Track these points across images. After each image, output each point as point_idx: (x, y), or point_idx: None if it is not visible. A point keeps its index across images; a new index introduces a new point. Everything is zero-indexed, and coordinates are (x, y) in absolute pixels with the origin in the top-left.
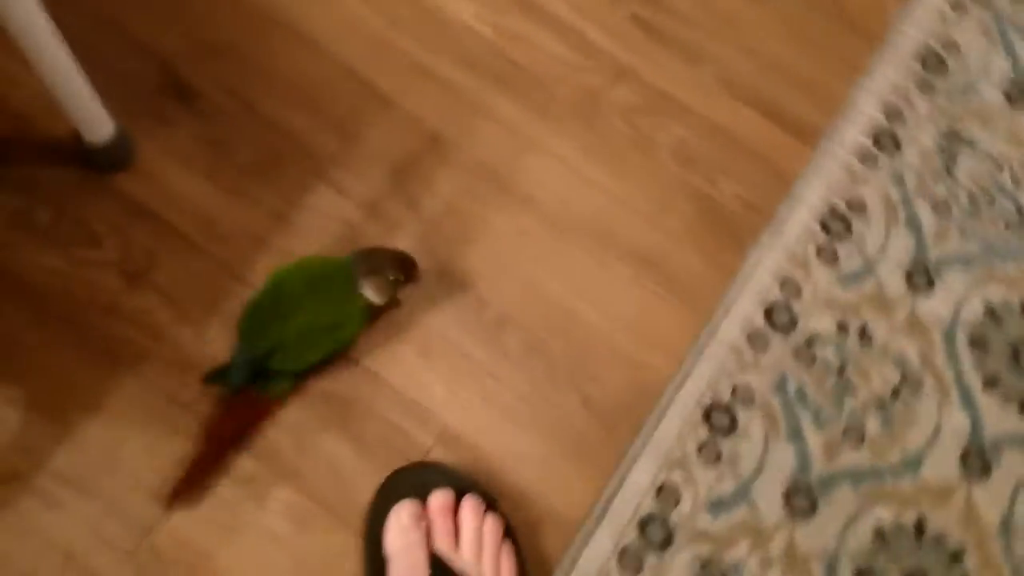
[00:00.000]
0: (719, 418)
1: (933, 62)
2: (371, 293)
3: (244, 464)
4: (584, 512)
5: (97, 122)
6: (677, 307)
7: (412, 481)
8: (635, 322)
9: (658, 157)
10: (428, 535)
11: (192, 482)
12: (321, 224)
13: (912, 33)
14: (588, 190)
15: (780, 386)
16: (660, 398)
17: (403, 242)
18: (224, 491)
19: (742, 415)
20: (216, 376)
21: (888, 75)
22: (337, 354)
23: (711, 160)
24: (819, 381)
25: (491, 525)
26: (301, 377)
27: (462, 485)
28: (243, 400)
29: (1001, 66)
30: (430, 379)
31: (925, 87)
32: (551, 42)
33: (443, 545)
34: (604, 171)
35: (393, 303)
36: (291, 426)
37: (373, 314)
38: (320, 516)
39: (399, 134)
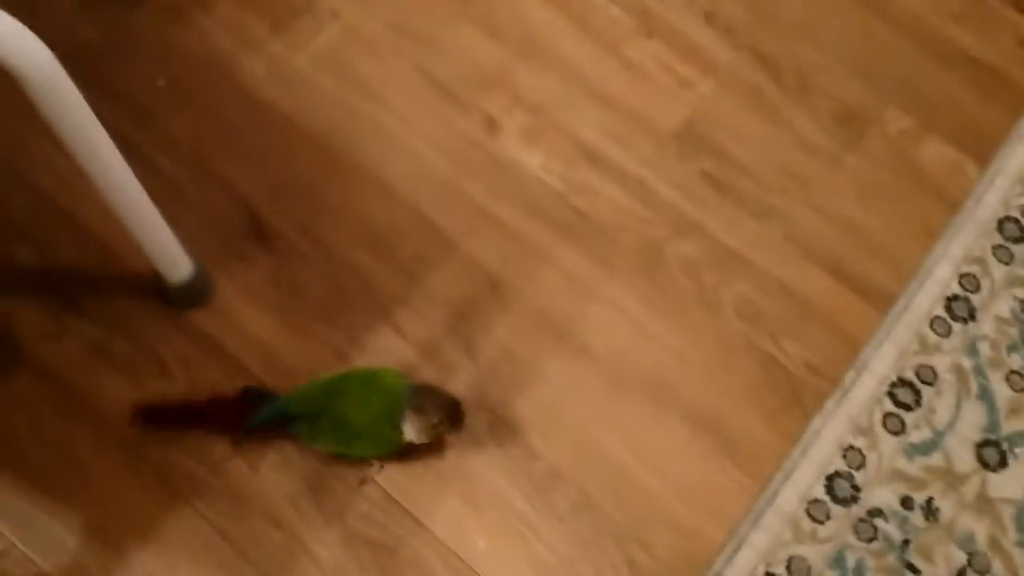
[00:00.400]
0: None
1: (1012, 230)
2: (409, 428)
3: None
4: None
5: (175, 264)
6: (733, 471)
7: None
8: (689, 485)
9: (721, 313)
10: None
11: (161, 415)
12: (379, 364)
13: (991, 201)
14: (647, 343)
15: (838, 561)
16: (711, 569)
17: (457, 385)
18: None
19: None
20: (251, 393)
21: (965, 242)
22: (351, 459)
23: (776, 320)
24: (880, 558)
25: None
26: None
27: None
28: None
29: None
30: (474, 531)
31: (1003, 255)
32: (616, 193)
33: None
34: (664, 325)
35: (427, 445)
36: (332, 569)
37: (405, 448)
38: None
39: (461, 278)
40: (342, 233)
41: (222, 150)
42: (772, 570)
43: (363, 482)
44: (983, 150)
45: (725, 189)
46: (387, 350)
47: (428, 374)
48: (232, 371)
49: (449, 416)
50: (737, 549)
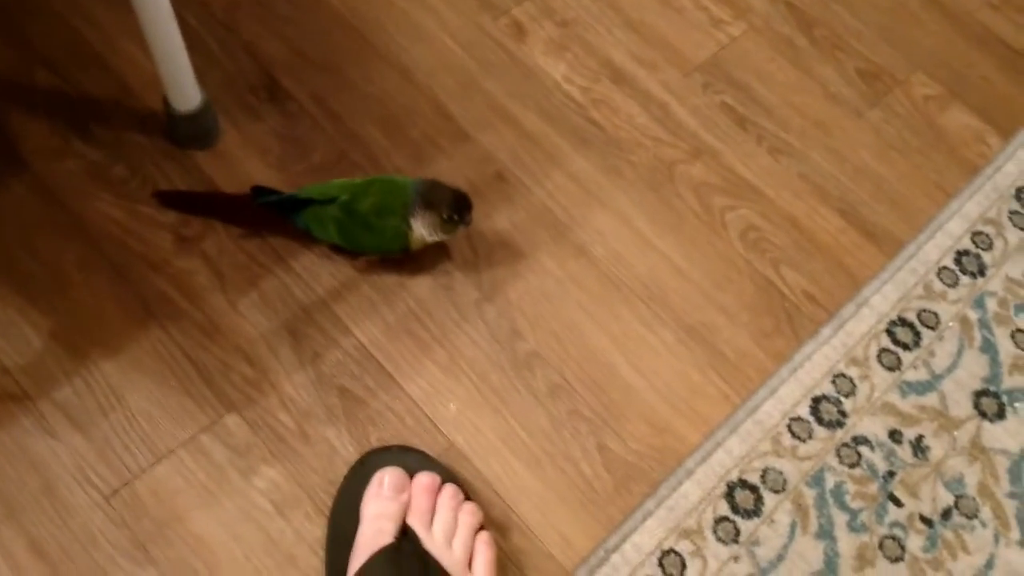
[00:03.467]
0: (743, 497)
1: None
2: (419, 225)
3: (241, 433)
4: (575, 563)
5: (186, 91)
6: (717, 381)
7: (396, 461)
8: (670, 387)
9: (725, 236)
10: (405, 508)
11: (179, 199)
12: None
13: (1011, 170)
14: (646, 252)
15: (817, 480)
16: (682, 466)
17: (451, 263)
18: (216, 455)
19: (769, 500)
20: (262, 192)
21: (981, 203)
22: (358, 253)
23: (780, 249)
24: (861, 485)
25: (468, 513)
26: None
27: (444, 477)
28: (268, 213)
29: None
30: (446, 396)
31: (1019, 220)
32: (636, 112)
33: (417, 523)
34: (667, 238)
35: (436, 242)
36: (299, 410)
37: (409, 247)
38: (303, 503)
39: (468, 165)
40: (355, 107)
41: (251, 17)
42: (746, 477)
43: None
44: (1008, 125)
45: (745, 123)
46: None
47: (424, 255)
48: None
49: (457, 209)
50: (712, 452)
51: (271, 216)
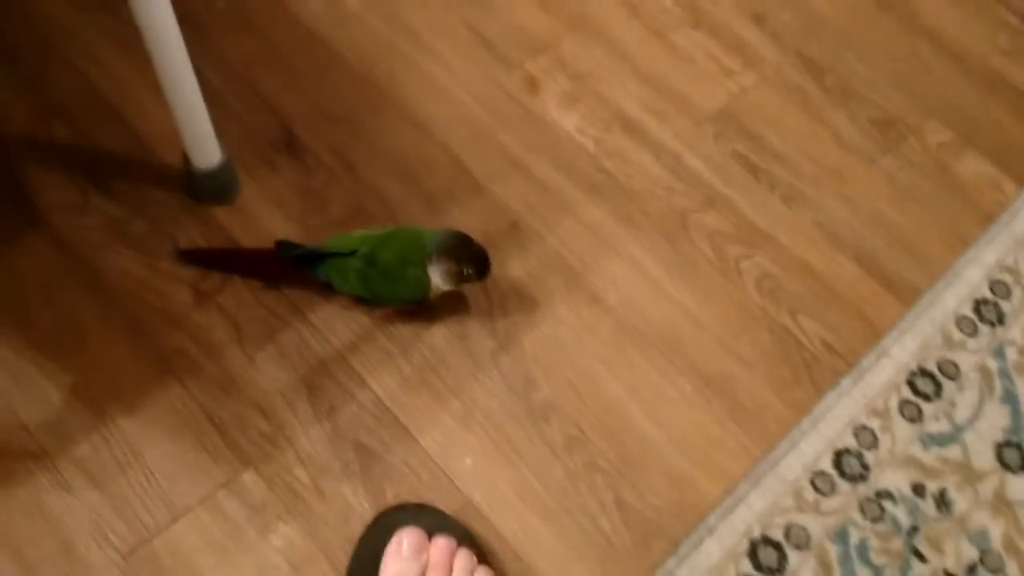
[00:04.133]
0: (766, 555)
1: None
2: (436, 271)
3: (258, 490)
4: None
5: (207, 148)
6: (737, 433)
7: (413, 519)
8: (688, 439)
9: (741, 284)
10: (424, 570)
11: (202, 257)
12: None
13: None
14: (662, 301)
15: (840, 536)
16: (703, 522)
17: (466, 311)
18: (233, 512)
19: (793, 557)
20: (286, 247)
21: (998, 251)
22: (378, 303)
23: (797, 298)
24: (885, 540)
25: None
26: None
27: (460, 536)
28: (290, 266)
29: None
30: (462, 450)
31: None
32: (648, 162)
33: None
34: (681, 287)
35: (451, 291)
36: (315, 465)
37: (428, 296)
38: (319, 561)
39: (483, 215)
40: (372, 160)
41: (269, 72)
42: (769, 534)
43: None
44: (1023, 171)
45: (758, 171)
46: None
47: (439, 305)
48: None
49: (476, 265)
50: (734, 507)
51: (293, 269)
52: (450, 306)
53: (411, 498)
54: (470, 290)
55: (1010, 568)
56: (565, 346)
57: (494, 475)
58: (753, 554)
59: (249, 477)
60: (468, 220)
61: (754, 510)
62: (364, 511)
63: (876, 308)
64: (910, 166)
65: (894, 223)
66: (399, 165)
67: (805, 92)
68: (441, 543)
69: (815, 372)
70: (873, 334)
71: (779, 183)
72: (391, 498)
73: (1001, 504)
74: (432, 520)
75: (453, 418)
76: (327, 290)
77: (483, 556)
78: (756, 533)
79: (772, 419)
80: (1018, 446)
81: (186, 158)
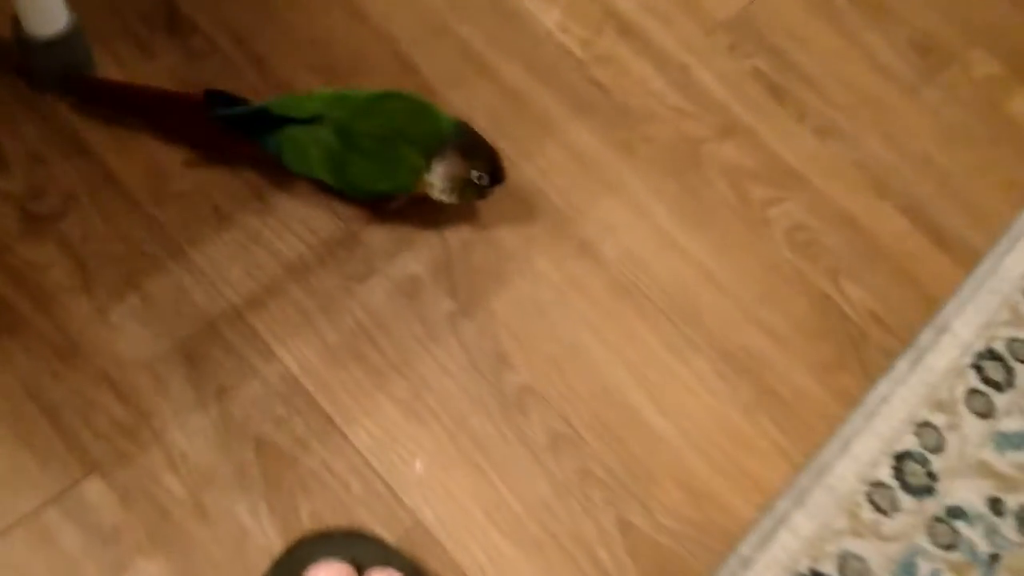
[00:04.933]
0: None
1: None
2: (440, 170)
3: (107, 506)
4: None
5: (46, 6)
6: (771, 429)
7: (338, 550)
8: (710, 438)
9: (768, 236)
10: None
11: (102, 91)
12: (313, 215)
13: None
14: (670, 254)
15: (907, 568)
16: (735, 552)
17: (415, 262)
18: (67, 539)
19: None
20: (218, 100)
21: None
22: (343, 194)
23: (837, 255)
24: (960, 573)
25: None
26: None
27: (405, 573)
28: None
29: None
30: (410, 449)
31: None
32: (650, 74)
33: None
34: (695, 236)
35: (453, 201)
36: (195, 471)
37: (418, 193)
38: None
39: None
40: (288, 51)
41: None
42: (820, 568)
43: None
44: None
45: (783, 95)
46: (320, 204)
47: (380, 243)
48: (97, 180)
49: (491, 169)
50: (773, 532)
51: (227, 135)
52: (392, 249)
53: (337, 519)
54: (421, 233)
55: None
56: (546, 311)
57: (453, 485)
58: None
59: (94, 486)
60: None
61: (800, 535)
62: (269, 539)
63: (930, 271)
64: (956, 101)
65: (943, 168)
66: (324, 61)
67: (831, 2)
68: None
69: (863, 351)
70: (928, 304)
71: (809, 111)
72: (308, 519)
73: None
74: (366, 551)
75: (396, 405)
76: (277, 169)
77: None
78: (803, 567)
79: (814, 412)
80: None
81: (16, 23)
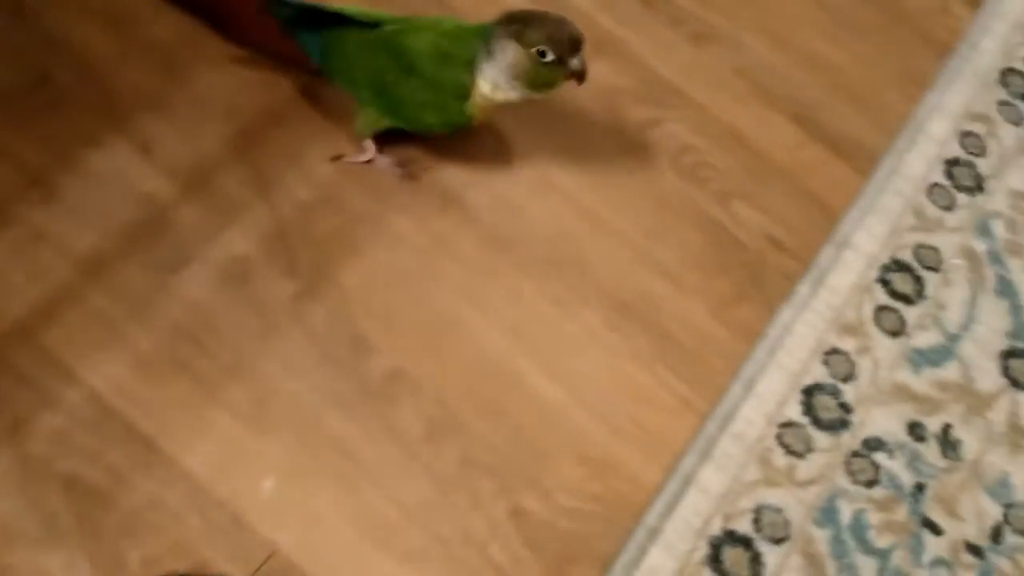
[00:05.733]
0: (734, 558)
1: (1019, 84)
2: (492, 71)
3: None
4: None
5: None
6: (671, 381)
7: None
8: (607, 400)
9: (651, 162)
10: None
11: None
12: (107, 198)
13: (990, 48)
14: (547, 195)
15: (828, 514)
16: (640, 522)
17: (240, 236)
18: None
19: (770, 555)
20: None
21: (963, 94)
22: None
23: (727, 177)
24: (886, 510)
25: None
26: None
27: None
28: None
29: None
30: (256, 467)
31: (1010, 113)
32: None
33: None
34: (572, 172)
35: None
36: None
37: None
38: None
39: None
40: None
41: None
42: (734, 526)
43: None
44: None
45: (654, 1)
46: (117, 174)
47: (190, 217)
48: None
49: (565, 33)
50: (681, 494)
51: (275, 34)
52: (214, 225)
53: (177, 563)
54: (243, 199)
55: None
56: (410, 279)
57: (313, 501)
58: (716, 560)
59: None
60: (222, 88)
61: (710, 493)
62: None
63: (827, 181)
64: None
65: (833, 64)
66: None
67: None
68: None
69: (763, 279)
70: (828, 218)
71: (684, 15)
72: (140, 568)
73: (1019, 436)
74: None
75: (235, 417)
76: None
77: None
78: (716, 528)
79: (715, 353)
80: None
81: None
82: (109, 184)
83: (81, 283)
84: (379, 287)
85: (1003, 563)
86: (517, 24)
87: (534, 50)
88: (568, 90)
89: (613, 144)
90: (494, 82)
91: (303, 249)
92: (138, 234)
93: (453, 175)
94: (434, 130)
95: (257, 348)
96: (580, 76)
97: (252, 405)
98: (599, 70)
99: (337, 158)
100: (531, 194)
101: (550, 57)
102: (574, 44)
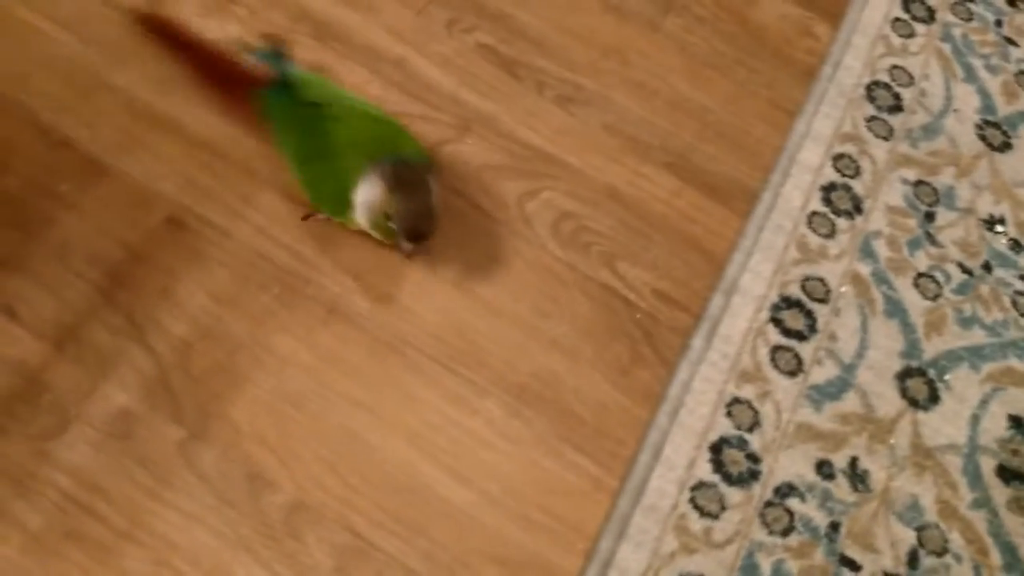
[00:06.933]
0: None
1: (885, 97)
2: (360, 194)
3: None
4: None
5: None
6: (580, 461)
7: None
8: (517, 494)
9: (533, 235)
10: None
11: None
12: None
13: (852, 64)
14: (432, 289)
15: (748, 570)
16: None
17: (121, 391)
18: None
19: None
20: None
21: (831, 116)
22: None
23: (609, 239)
24: (803, 556)
25: None
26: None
27: None
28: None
29: (970, 99)
30: None
31: (880, 128)
32: (364, 78)
33: None
34: (454, 259)
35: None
36: None
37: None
38: None
39: (116, 216)
40: None
41: None
42: None
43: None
44: (831, 6)
45: (516, 68)
46: None
47: (68, 377)
48: None
49: (410, 223)
50: (604, 571)
51: (244, 85)
52: (87, 384)
53: None
54: (117, 349)
55: (954, 539)
56: (301, 402)
57: None
58: None
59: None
60: (92, 231)
61: (629, 572)
62: None
63: (707, 227)
64: (699, 24)
65: (700, 106)
66: None
67: None
68: None
69: (656, 338)
70: (713, 264)
71: (548, 79)
72: None
73: (922, 456)
74: None
75: None
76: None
77: None
78: None
79: (618, 423)
80: (920, 372)
81: None
82: None
83: None
84: (270, 416)
85: None
86: (393, 180)
87: (386, 210)
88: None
89: (492, 223)
90: (359, 203)
91: (186, 390)
92: (12, 404)
93: (334, 282)
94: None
95: (150, 504)
96: (406, 254)
97: (153, 565)
98: (470, 149)
99: (307, 217)
100: (416, 290)
101: (393, 225)
102: (417, 235)
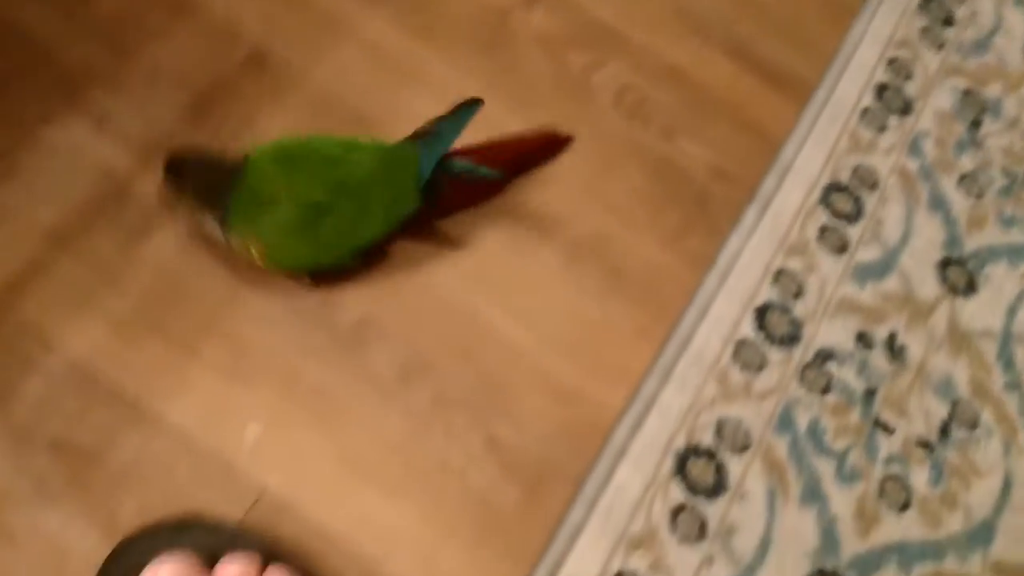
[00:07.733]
0: (699, 470)
1: (937, 10)
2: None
3: None
4: None
5: None
6: (628, 313)
7: (173, 541)
8: (567, 333)
9: (596, 104)
10: None
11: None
12: (67, 172)
13: None
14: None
15: (785, 422)
16: (607, 444)
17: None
18: None
19: (733, 465)
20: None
21: (888, 20)
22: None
23: (668, 112)
24: (839, 415)
25: None
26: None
27: (263, 548)
28: None
29: (1019, 23)
30: (239, 414)
31: (932, 38)
32: None
33: None
34: (520, 116)
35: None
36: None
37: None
38: None
39: (199, 49)
40: None
41: None
42: (697, 441)
43: None
44: None
45: None
46: (73, 149)
47: (147, 188)
48: None
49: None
50: (645, 414)
51: None
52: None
53: (170, 510)
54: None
55: (985, 417)
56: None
57: (297, 443)
58: (683, 473)
59: None
60: (179, 58)
61: (671, 413)
62: (91, 547)
63: (765, 112)
64: None
65: (765, 1)
66: None
67: None
68: (230, 571)
69: (710, 209)
70: (769, 147)
71: None
72: (134, 517)
73: (958, 339)
74: (207, 537)
75: (214, 371)
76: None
77: (307, 571)
78: (680, 443)
79: (668, 282)
80: (961, 263)
81: None
82: (67, 159)
83: (51, 255)
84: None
85: (952, 456)
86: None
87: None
88: (509, 40)
89: (558, 89)
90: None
91: None
92: (103, 203)
93: (407, 126)
94: None
95: (225, 299)
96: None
97: (229, 360)
98: (538, 17)
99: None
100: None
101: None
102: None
